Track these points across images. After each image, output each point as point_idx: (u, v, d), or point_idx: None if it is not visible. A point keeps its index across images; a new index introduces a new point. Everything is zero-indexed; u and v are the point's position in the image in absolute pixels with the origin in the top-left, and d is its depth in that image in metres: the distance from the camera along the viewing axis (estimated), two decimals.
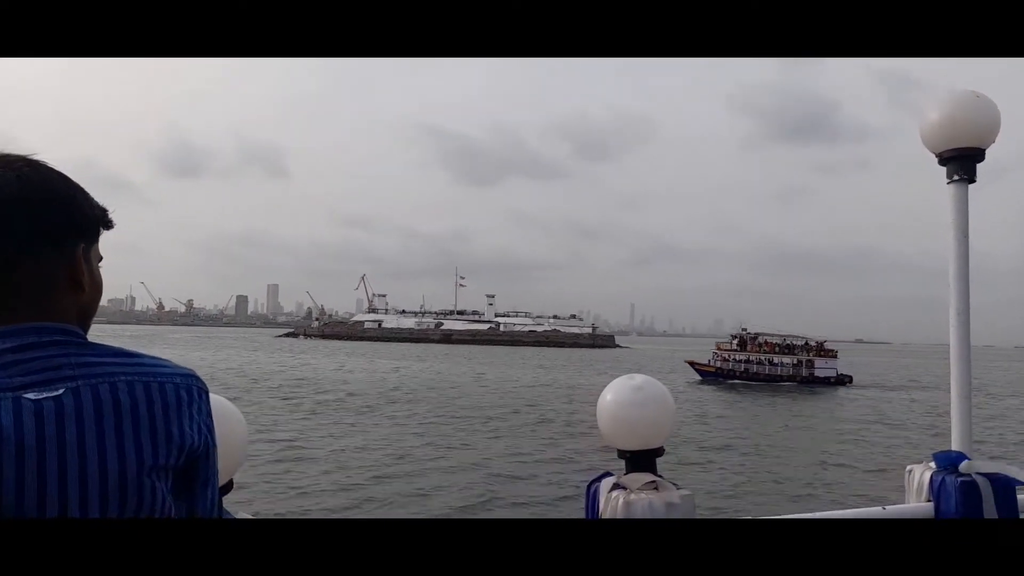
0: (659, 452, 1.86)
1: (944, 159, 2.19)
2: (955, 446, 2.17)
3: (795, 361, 44.68)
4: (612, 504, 1.73)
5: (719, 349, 47.61)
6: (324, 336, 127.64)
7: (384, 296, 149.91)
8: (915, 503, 2.14)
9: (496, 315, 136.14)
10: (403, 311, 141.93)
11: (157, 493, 0.87)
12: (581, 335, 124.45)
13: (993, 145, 2.17)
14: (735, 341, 47.14)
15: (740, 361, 45.75)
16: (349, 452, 16.81)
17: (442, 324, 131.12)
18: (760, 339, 46.65)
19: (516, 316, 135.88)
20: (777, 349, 45.86)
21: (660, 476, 1.80)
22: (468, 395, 31.87)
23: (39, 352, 0.85)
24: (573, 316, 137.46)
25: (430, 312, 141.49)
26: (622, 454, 1.86)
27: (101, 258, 0.99)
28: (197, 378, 0.97)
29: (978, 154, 2.16)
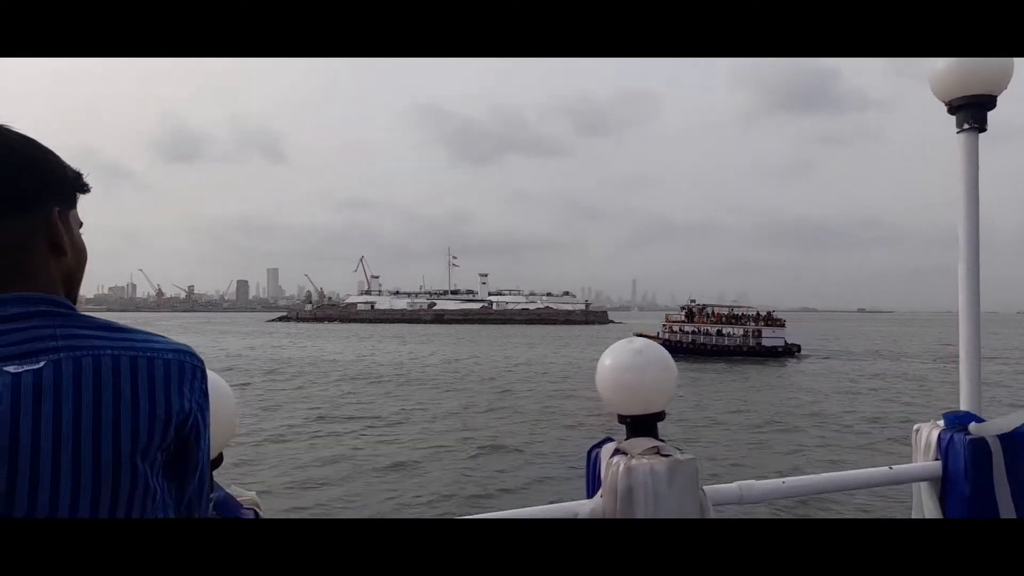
0: (660, 416, 1.80)
1: (954, 107, 2.10)
2: (963, 406, 2.13)
3: (743, 332, 43.96)
4: (613, 470, 1.67)
5: (668, 321, 47.34)
6: (317, 319, 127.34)
7: (378, 278, 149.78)
8: (923, 462, 2.09)
9: (489, 294, 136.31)
10: (397, 292, 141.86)
11: (138, 473, 0.82)
12: (573, 312, 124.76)
13: (1006, 93, 2.08)
14: (683, 313, 46.89)
15: (688, 332, 45.12)
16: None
17: (435, 304, 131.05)
18: (708, 310, 46.38)
19: (509, 295, 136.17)
20: (724, 320, 45.33)
21: (662, 440, 1.74)
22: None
23: (23, 323, 0.81)
24: (566, 293, 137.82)
25: (424, 292, 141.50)
26: (622, 419, 1.80)
27: (81, 224, 0.95)
28: (192, 354, 0.92)
29: (989, 101, 2.07)
